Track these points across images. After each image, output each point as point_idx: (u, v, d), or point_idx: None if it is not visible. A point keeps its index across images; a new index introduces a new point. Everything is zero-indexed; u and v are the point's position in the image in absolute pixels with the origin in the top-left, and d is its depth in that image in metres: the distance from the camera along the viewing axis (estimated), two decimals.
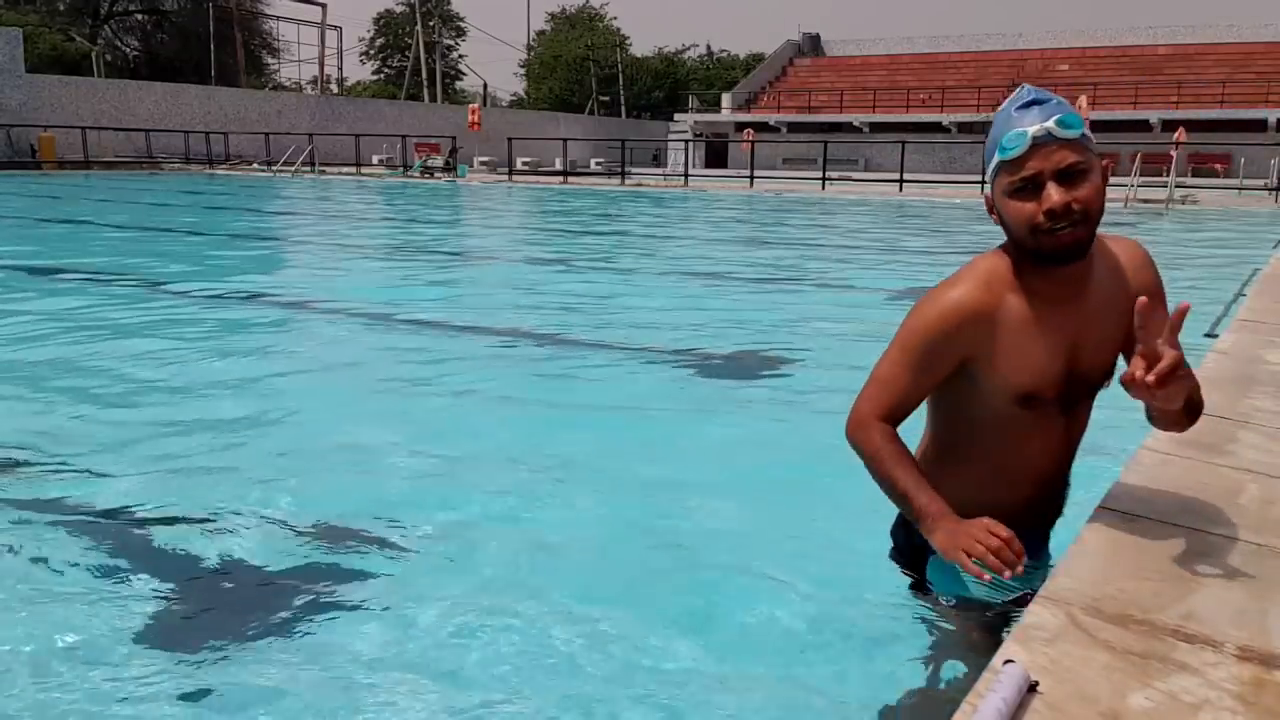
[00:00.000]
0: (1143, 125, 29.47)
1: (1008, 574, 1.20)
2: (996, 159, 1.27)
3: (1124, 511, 1.56)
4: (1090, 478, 2.18)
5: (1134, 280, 1.38)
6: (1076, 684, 1.06)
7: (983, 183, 1.34)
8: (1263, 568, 1.36)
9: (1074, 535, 1.44)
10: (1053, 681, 1.06)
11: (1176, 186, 16.74)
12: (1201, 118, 28.55)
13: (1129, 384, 1.17)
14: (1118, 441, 2.65)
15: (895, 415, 1.42)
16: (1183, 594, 1.28)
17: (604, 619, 1.80)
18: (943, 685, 1.54)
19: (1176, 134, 17.27)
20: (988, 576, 1.25)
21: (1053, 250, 1.26)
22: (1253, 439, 2.00)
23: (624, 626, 1.78)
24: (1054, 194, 1.23)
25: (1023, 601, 1.38)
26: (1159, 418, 1.33)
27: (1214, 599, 1.27)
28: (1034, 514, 1.49)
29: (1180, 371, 1.17)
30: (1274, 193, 17.34)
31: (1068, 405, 1.40)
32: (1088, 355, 1.36)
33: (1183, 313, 1.17)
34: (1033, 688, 1.05)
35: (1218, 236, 11.02)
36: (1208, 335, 4.46)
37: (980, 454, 1.45)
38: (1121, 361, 1.39)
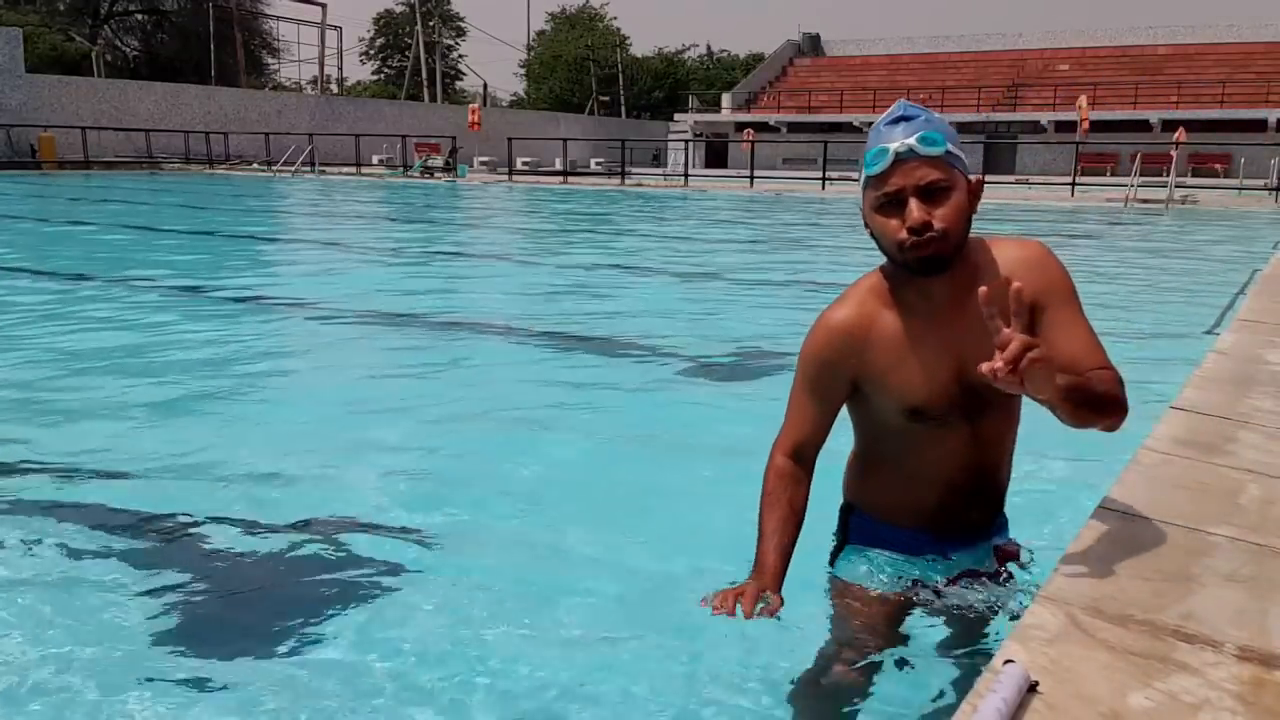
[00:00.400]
0: (1143, 125, 29.48)
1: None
2: (863, 174, 1.30)
3: (1124, 511, 1.56)
4: (1090, 478, 2.18)
5: (1031, 283, 1.32)
6: (1076, 684, 1.06)
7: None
8: (1263, 568, 1.36)
9: (1073, 535, 1.44)
10: (1053, 681, 1.06)
11: (1176, 186, 16.75)
12: (1201, 118, 28.55)
13: (991, 379, 1.13)
14: (1117, 441, 2.65)
15: (802, 446, 1.45)
16: (1182, 594, 1.28)
17: (611, 619, 1.80)
18: (942, 685, 1.54)
19: (1176, 134, 17.27)
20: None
21: (918, 265, 1.27)
22: (1253, 439, 2.00)
23: (632, 629, 1.78)
24: (914, 211, 1.24)
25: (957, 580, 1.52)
26: (1061, 417, 1.27)
27: (1214, 599, 1.27)
28: (954, 515, 1.49)
29: (1033, 355, 1.11)
30: (1274, 193, 17.35)
31: (970, 415, 1.39)
32: (973, 375, 1.29)
33: (1016, 295, 1.11)
34: (1033, 688, 1.05)
35: (1218, 236, 11.02)
36: (1208, 335, 4.46)
37: (891, 463, 1.47)
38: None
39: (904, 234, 1.25)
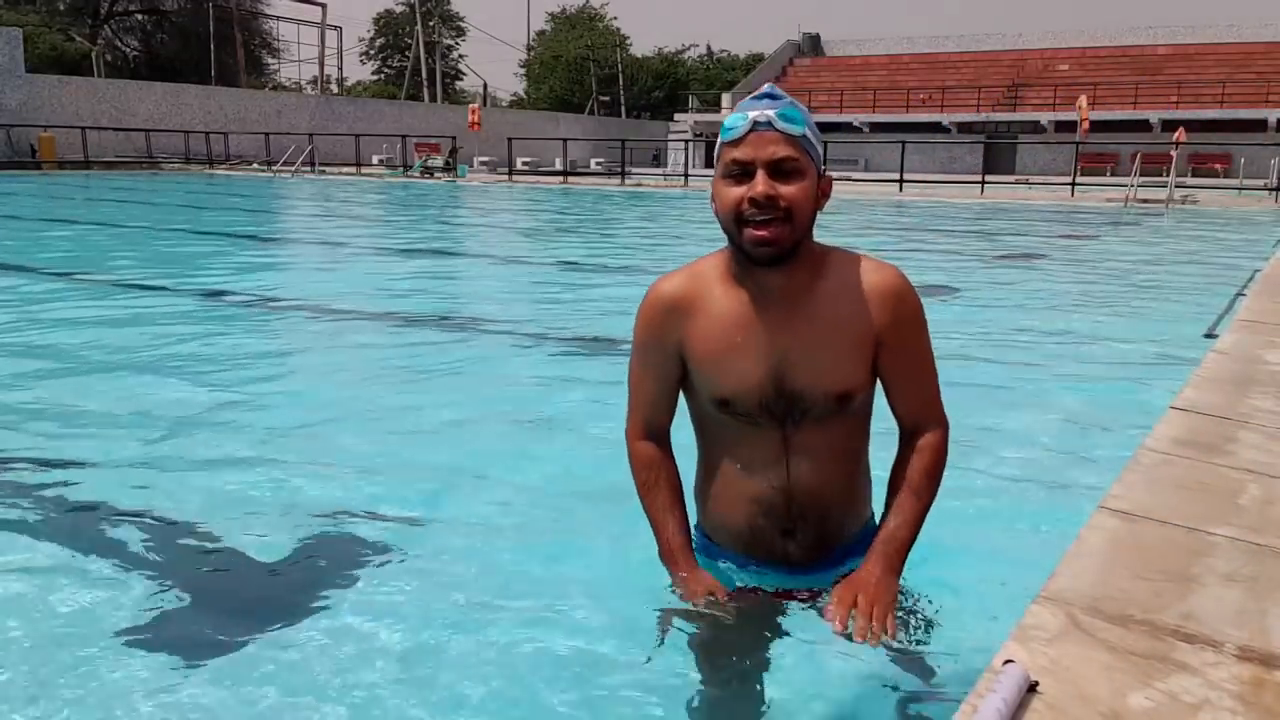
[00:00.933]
0: (1143, 125, 29.48)
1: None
2: (720, 140, 1.26)
3: (1124, 511, 1.56)
4: (1090, 478, 2.18)
5: (879, 310, 1.29)
6: (1076, 684, 1.06)
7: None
8: (1263, 568, 1.36)
9: (1074, 535, 1.45)
10: (1053, 682, 1.07)
11: (1176, 186, 16.75)
12: (1201, 118, 28.55)
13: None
14: (1118, 441, 2.65)
15: (651, 426, 1.42)
16: (1182, 594, 1.28)
17: (608, 621, 1.80)
18: (942, 685, 1.54)
19: (1176, 134, 17.26)
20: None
21: (753, 244, 1.22)
22: (1253, 439, 2.00)
23: (628, 634, 1.78)
24: (760, 183, 1.20)
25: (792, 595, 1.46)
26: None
27: (1214, 599, 1.27)
28: (766, 543, 1.40)
29: (880, 613, 1.21)
30: (1274, 193, 17.34)
31: (784, 423, 1.32)
32: (801, 374, 1.28)
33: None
34: (1033, 688, 1.05)
35: (1218, 236, 11.02)
36: (1207, 335, 4.46)
37: (710, 462, 1.41)
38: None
39: (745, 204, 1.21)
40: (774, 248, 1.21)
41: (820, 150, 1.28)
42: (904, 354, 1.31)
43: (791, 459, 1.33)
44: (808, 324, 1.26)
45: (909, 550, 1.30)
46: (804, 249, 1.25)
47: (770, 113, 1.22)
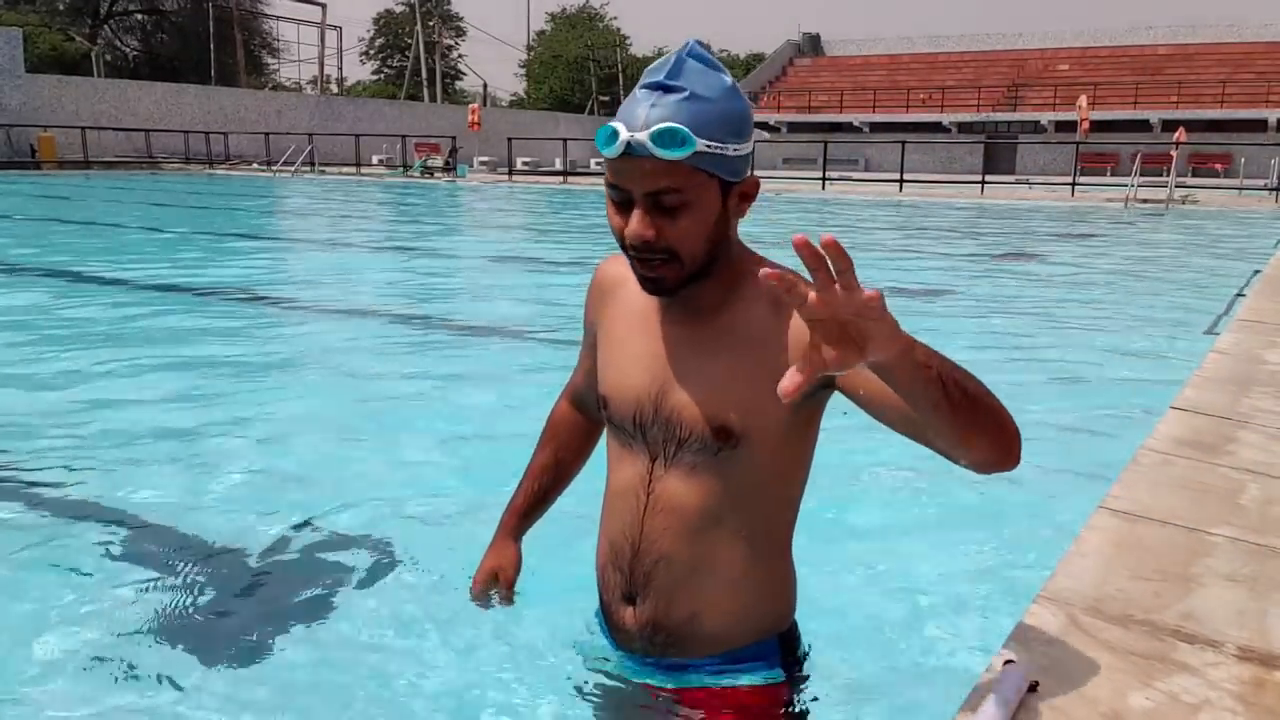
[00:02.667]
0: (1143, 125, 29.49)
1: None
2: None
3: (1124, 512, 1.56)
4: (1091, 477, 2.18)
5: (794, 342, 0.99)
6: (1077, 684, 1.06)
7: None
8: (1263, 568, 1.36)
9: (1074, 536, 1.44)
10: (1053, 681, 1.06)
11: (1177, 186, 16.75)
12: (1202, 118, 28.57)
13: (823, 363, 0.79)
14: (1118, 441, 2.65)
15: (578, 394, 1.31)
16: (1183, 594, 1.28)
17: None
18: (943, 685, 1.54)
19: (1177, 134, 17.26)
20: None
21: (639, 277, 1.01)
22: (1253, 439, 2.00)
23: None
24: (635, 222, 0.96)
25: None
26: (922, 411, 0.88)
27: (1214, 599, 1.27)
28: (609, 599, 1.13)
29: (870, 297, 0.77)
30: (1274, 192, 17.34)
31: (651, 449, 1.07)
32: (678, 393, 1.04)
33: (829, 244, 0.78)
34: (1033, 688, 1.05)
35: (1218, 236, 11.02)
36: (1208, 334, 4.46)
37: (607, 474, 1.16)
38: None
39: (626, 237, 0.98)
40: (659, 286, 1.00)
41: (734, 149, 0.96)
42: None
43: (651, 500, 1.06)
44: (707, 339, 1.03)
45: (944, 368, 0.86)
46: (716, 267, 1.01)
47: (643, 136, 0.92)
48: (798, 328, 0.94)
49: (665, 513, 1.06)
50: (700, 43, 0.98)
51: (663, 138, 0.92)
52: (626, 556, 1.09)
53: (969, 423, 0.88)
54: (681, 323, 1.06)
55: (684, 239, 0.97)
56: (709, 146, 0.94)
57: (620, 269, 1.12)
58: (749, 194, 1.01)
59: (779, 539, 1.12)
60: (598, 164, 29.90)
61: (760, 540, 1.09)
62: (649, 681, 1.12)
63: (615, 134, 0.94)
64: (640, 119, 0.94)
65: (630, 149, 0.94)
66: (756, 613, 1.11)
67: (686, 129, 0.92)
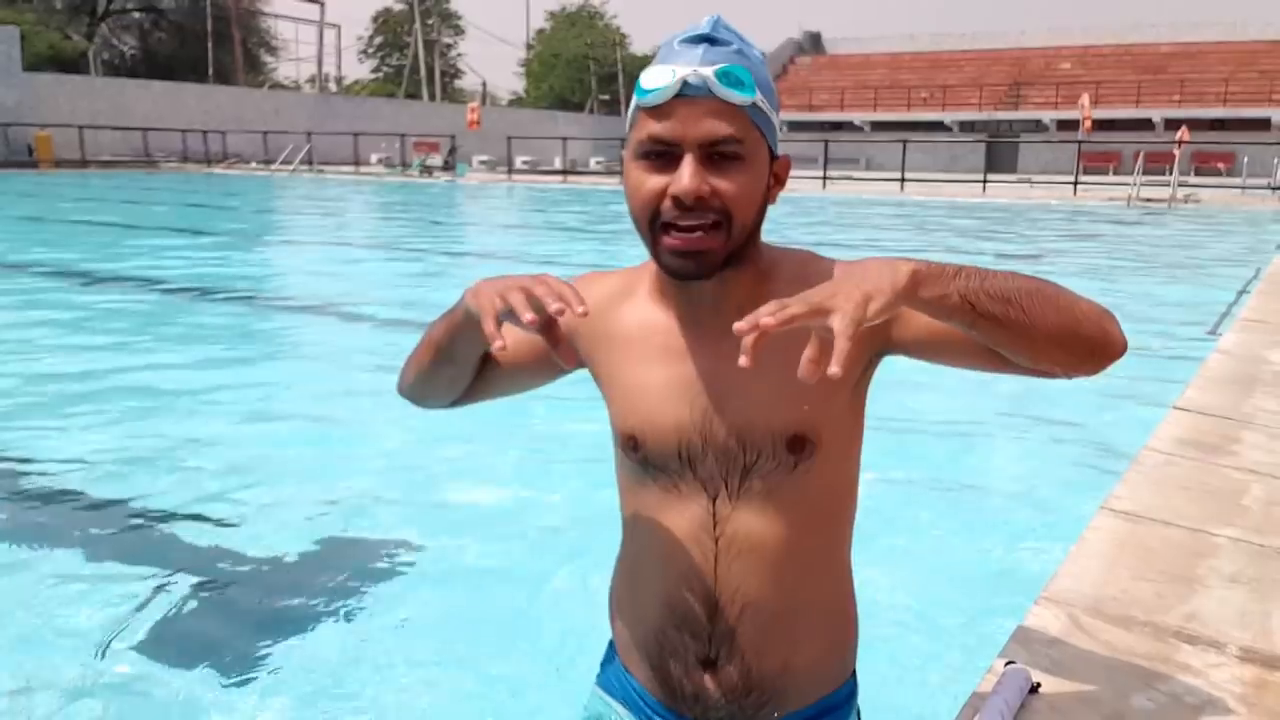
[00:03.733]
0: (1146, 124, 29.47)
1: (553, 306, 0.80)
2: (635, 102, 0.87)
3: (1126, 512, 1.55)
4: (1093, 478, 2.17)
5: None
6: (1078, 685, 1.06)
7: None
8: (1265, 569, 1.36)
9: (1076, 536, 1.44)
10: (1055, 683, 1.06)
11: (1179, 185, 16.73)
12: (1205, 116, 28.55)
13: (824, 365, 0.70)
14: (1119, 441, 2.64)
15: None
16: (1185, 595, 1.27)
17: None
18: (944, 686, 1.53)
19: (1179, 132, 17.24)
20: (530, 317, 0.80)
21: (671, 255, 0.86)
22: (1255, 439, 2.00)
23: None
24: (687, 175, 0.83)
25: None
26: (1001, 341, 0.82)
27: (1216, 600, 1.26)
28: (675, 669, 0.94)
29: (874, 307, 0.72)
30: (1277, 191, 17.32)
31: (715, 488, 0.91)
32: (735, 410, 0.89)
33: (768, 328, 0.71)
34: (1035, 689, 1.04)
35: (1220, 235, 11.01)
36: (1210, 334, 4.45)
37: (628, 542, 1.01)
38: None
39: (666, 202, 0.84)
40: (699, 262, 0.85)
41: (776, 120, 0.89)
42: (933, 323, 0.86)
43: (723, 546, 0.91)
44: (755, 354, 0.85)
45: (996, 284, 0.79)
46: (748, 256, 0.90)
47: (707, 71, 0.82)
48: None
49: (745, 555, 0.91)
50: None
51: (728, 76, 0.83)
52: (701, 616, 0.92)
53: (1044, 335, 0.81)
54: (712, 332, 0.90)
55: (739, 198, 0.85)
56: (764, 103, 0.86)
57: (617, 284, 0.98)
58: (781, 176, 0.92)
59: (849, 556, 1.01)
60: (598, 163, 29.89)
61: (840, 561, 1.00)
62: None
63: (669, 72, 0.83)
64: (697, 59, 0.83)
65: (687, 89, 0.82)
66: (846, 647, 1.01)
67: (751, 74, 0.84)
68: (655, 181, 0.85)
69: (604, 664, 1.07)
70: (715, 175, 0.84)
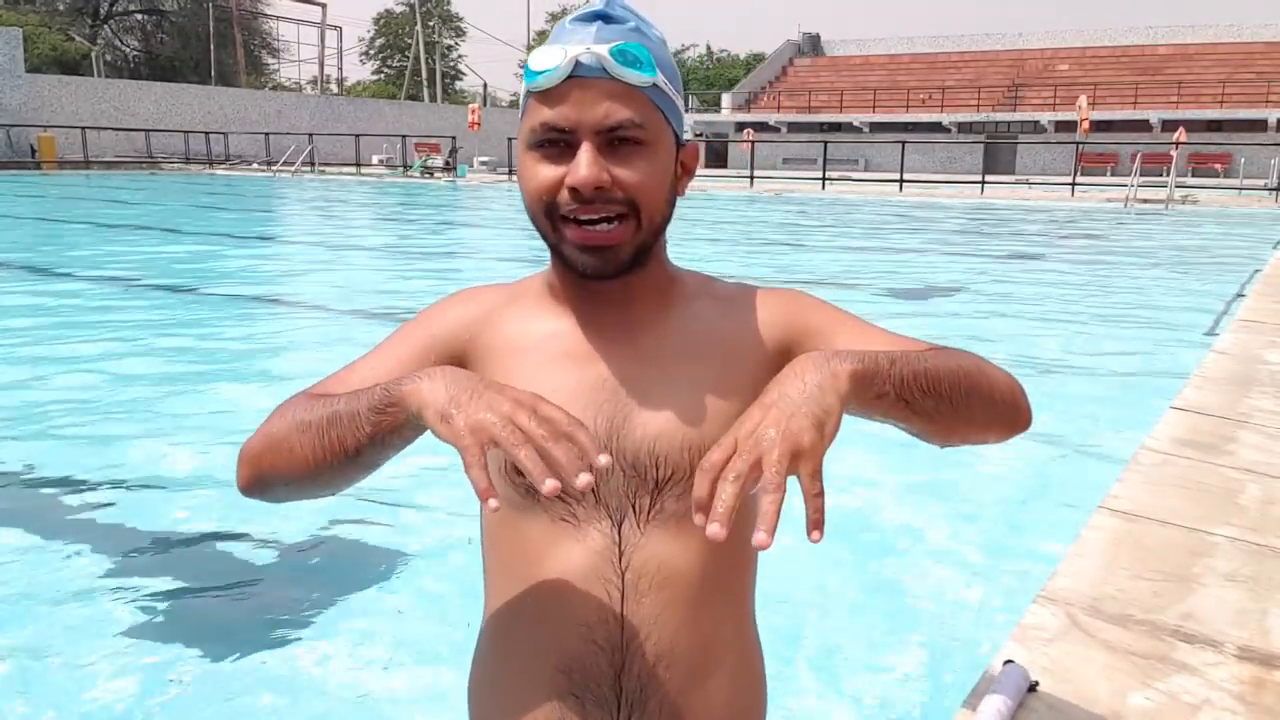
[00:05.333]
0: (1143, 125, 29.50)
1: (581, 480, 0.62)
2: (524, 86, 0.79)
3: (1124, 511, 1.56)
4: (1091, 478, 2.18)
5: (775, 316, 0.85)
6: (1077, 684, 1.06)
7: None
8: (1263, 568, 1.36)
9: (1074, 536, 1.45)
10: (1053, 681, 1.07)
11: (1176, 186, 16.75)
12: (1202, 117, 28.59)
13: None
14: (1118, 441, 2.65)
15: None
16: (1183, 594, 1.28)
17: None
18: (943, 685, 1.54)
19: (1177, 134, 17.26)
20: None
21: (576, 249, 0.77)
22: (1253, 439, 2.00)
23: None
24: (583, 164, 0.74)
25: None
26: (921, 429, 0.78)
27: (1214, 599, 1.27)
28: (579, 716, 0.77)
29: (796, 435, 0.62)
30: (1274, 193, 17.34)
31: (620, 514, 0.78)
32: (645, 424, 0.78)
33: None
34: (1033, 688, 1.05)
35: (1218, 236, 11.02)
36: (1208, 335, 4.46)
37: (499, 601, 0.83)
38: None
39: (563, 193, 0.76)
40: (606, 258, 0.77)
41: (680, 104, 0.82)
42: (842, 331, 0.83)
43: (630, 581, 0.77)
44: (661, 350, 0.81)
45: (927, 379, 0.72)
46: (655, 256, 0.82)
47: (601, 50, 0.74)
48: (763, 323, 0.83)
49: (656, 590, 0.76)
50: None
51: (625, 55, 0.74)
52: (605, 673, 0.76)
53: (967, 426, 0.78)
54: (617, 337, 0.81)
55: (644, 188, 0.76)
56: (665, 84, 0.78)
57: (503, 295, 0.88)
58: (689, 165, 0.84)
59: (753, 605, 0.88)
60: None
61: (750, 594, 0.87)
62: None
63: (559, 52, 0.75)
64: (590, 38, 0.75)
65: (580, 70, 0.74)
66: (762, 688, 0.87)
67: (649, 51, 0.76)
68: (550, 172, 0.76)
69: None
70: (615, 163, 0.76)
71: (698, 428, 0.78)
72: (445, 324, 0.87)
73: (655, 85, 0.77)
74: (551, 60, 0.75)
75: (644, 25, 0.79)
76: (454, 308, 0.89)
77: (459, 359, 0.85)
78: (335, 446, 0.73)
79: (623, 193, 0.76)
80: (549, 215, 0.78)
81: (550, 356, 0.81)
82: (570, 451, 0.63)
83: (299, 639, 1.75)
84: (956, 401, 0.75)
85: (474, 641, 0.85)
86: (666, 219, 0.81)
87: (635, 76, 0.75)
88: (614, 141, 0.76)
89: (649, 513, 0.78)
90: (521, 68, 0.92)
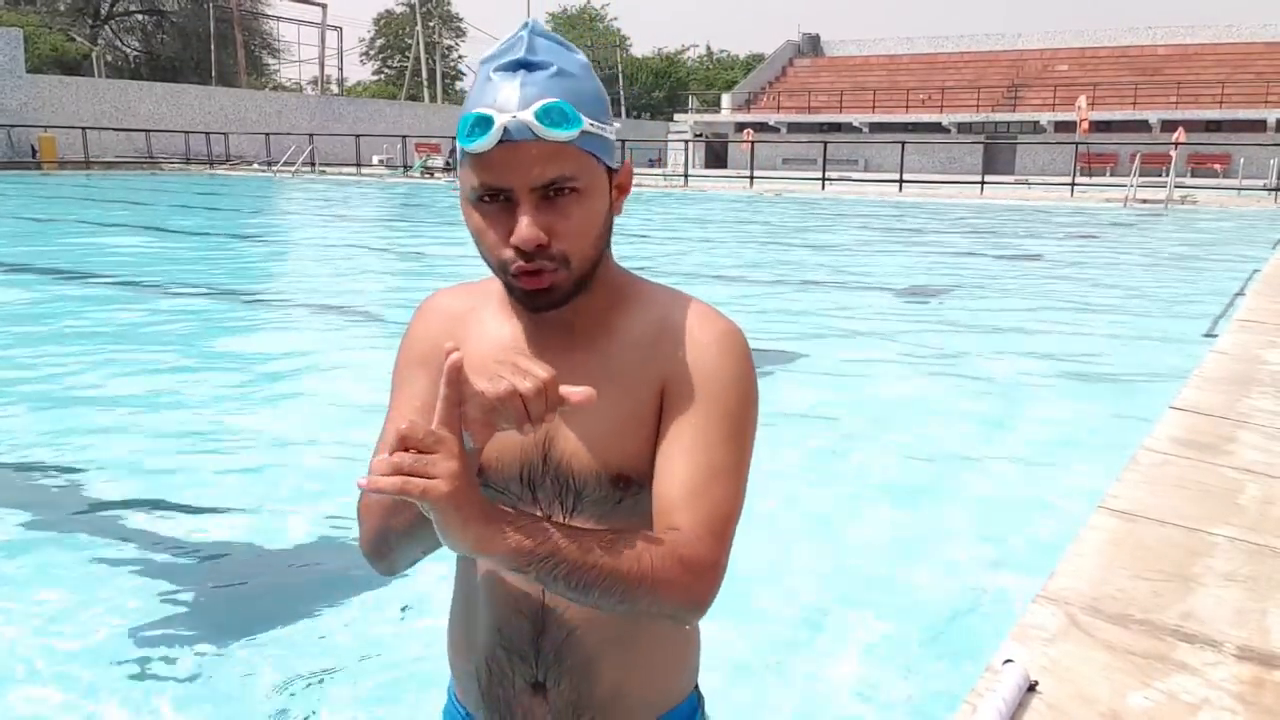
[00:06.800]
0: (1142, 125, 29.53)
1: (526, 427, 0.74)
2: (457, 144, 0.84)
3: (1123, 511, 1.56)
4: (1090, 478, 2.18)
5: (671, 353, 0.90)
6: (1076, 684, 1.06)
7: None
8: (1262, 568, 1.37)
9: (1073, 536, 1.45)
10: (1052, 681, 1.07)
11: (1176, 186, 16.76)
12: (1201, 118, 28.62)
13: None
14: (1117, 441, 2.65)
15: None
16: (1182, 594, 1.28)
17: None
18: (942, 685, 1.54)
19: (1176, 134, 17.27)
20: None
21: (521, 295, 0.87)
22: (1252, 439, 2.01)
23: None
24: (525, 225, 0.81)
25: None
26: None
27: (1213, 599, 1.27)
28: (504, 692, 0.94)
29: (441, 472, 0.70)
30: (1273, 193, 17.35)
31: (546, 504, 0.90)
32: (568, 442, 0.89)
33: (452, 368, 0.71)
34: (1032, 687, 1.05)
35: (1217, 236, 11.02)
36: (1207, 335, 4.47)
37: (462, 574, 0.99)
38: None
39: (507, 251, 0.83)
40: (550, 298, 0.86)
41: (610, 130, 0.86)
42: (683, 423, 0.87)
43: None
44: (591, 368, 0.88)
45: (549, 559, 0.76)
46: (597, 278, 0.89)
47: (527, 116, 0.79)
48: (664, 355, 0.88)
49: None
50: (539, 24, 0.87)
51: (550, 115, 0.79)
52: (528, 636, 0.92)
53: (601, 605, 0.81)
54: (558, 350, 0.89)
55: (578, 237, 0.84)
56: (593, 126, 0.83)
57: (465, 298, 0.98)
58: (625, 185, 0.90)
59: None
60: None
61: None
62: None
63: (487, 121, 0.80)
64: (514, 99, 0.80)
65: (508, 135, 0.79)
66: (684, 665, 1.00)
67: (571, 105, 0.80)
68: (496, 232, 0.84)
69: (445, 707, 1.04)
70: (553, 214, 0.83)
71: (612, 452, 0.88)
72: (424, 345, 0.97)
73: (583, 132, 0.82)
74: (480, 129, 0.81)
75: (565, 59, 0.83)
76: (422, 326, 0.99)
77: (430, 364, 0.93)
78: (406, 512, 0.83)
79: (558, 245, 0.84)
80: (501, 269, 0.86)
81: (506, 352, 0.89)
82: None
83: (297, 634, 1.75)
84: (599, 599, 0.79)
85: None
86: (601, 249, 0.88)
87: (563, 135, 0.80)
88: (550, 194, 0.82)
89: (571, 514, 0.90)
90: None
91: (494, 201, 0.84)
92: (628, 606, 0.81)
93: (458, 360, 0.71)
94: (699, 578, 0.83)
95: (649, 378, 0.89)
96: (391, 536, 0.86)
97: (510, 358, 0.76)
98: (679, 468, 0.86)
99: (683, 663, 1.00)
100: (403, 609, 1.88)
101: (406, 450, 0.69)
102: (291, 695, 1.59)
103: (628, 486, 0.89)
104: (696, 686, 1.02)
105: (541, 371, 0.73)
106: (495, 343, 0.93)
